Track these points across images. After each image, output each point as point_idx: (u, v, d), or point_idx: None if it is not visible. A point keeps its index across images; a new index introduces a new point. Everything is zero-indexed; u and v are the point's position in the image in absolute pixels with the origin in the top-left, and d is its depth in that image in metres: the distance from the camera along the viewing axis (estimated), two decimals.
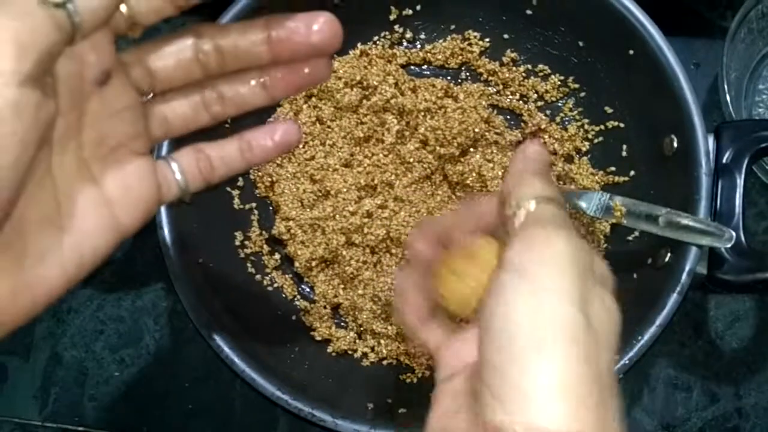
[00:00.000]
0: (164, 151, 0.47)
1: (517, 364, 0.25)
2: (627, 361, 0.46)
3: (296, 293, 0.56)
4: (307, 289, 0.57)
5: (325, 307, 0.55)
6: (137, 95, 0.31)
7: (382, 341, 0.54)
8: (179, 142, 0.34)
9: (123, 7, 0.28)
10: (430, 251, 0.34)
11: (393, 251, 0.55)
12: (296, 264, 0.56)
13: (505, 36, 0.60)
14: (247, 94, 0.32)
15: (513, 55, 0.60)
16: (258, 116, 0.57)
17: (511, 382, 0.25)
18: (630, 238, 0.53)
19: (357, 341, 0.54)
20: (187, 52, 0.31)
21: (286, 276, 0.56)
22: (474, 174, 0.55)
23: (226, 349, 0.47)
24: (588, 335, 0.26)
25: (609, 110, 0.57)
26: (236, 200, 0.57)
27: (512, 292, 0.27)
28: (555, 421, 0.24)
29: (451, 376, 0.31)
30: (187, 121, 0.33)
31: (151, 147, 0.32)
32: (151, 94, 0.32)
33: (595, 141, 0.58)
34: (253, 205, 0.57)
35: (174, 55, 0.31)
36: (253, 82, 0.32)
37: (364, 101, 0.57)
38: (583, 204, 0.51)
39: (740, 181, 0.49)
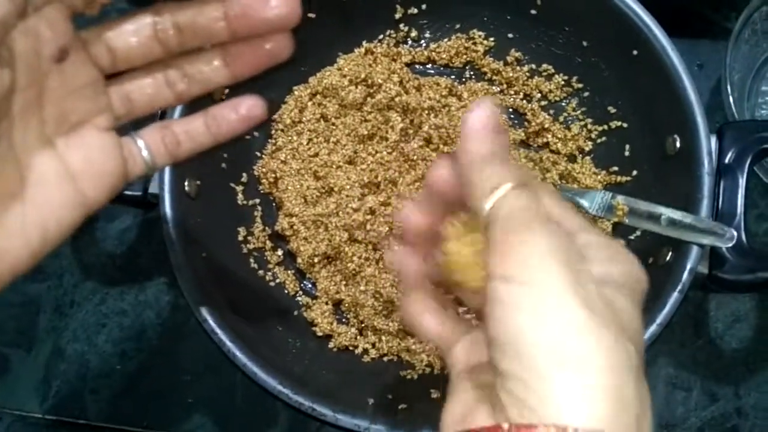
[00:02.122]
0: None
1: (539, 375, 0.24)
2: None
3: (298, 289, 0.56)
4: (309, 285, 0.57)
5: (326, 303, 0.55)
6: (98, 72, 0.31)
7: (383, 338, 0.54)
8: None
9: None
10: (426, 222, 0.33)
11: (396, 248, 0.55)
12: (299, 260, 0.56)
13: (510, 35, 0.60)
14: (210, 73, 0.33)
15: (517, 54, 0.60)
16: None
17: (537, 392, 0.24)
18: (632, 237, 0.53)
19: (358, 337, 0.55)
20: (146, 30, 0.31)
21: (289, 272, 0.57)
22: None
23: (228, 343, 0.47)
24: (600, 325, 0.25)
25: (612, 110, 0.57)
26: (240, 196, 0.57)
27: (510, 303, 0.25)
28: (588, 421, 0.24)
29: (462, 370, 0.31)
30: (150, 99, 0.33)
31: (116, 124, 0.33)
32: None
33: (598, 141, 0.58)
34: (257, 201, 0.58)
35: (133, 33, 0.31)
36: (216, 62, 0.33)
37: (369, 99, 0.58)
38: (585, 203, 0.52)
39: (742, 181, 0.49)
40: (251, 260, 0.56)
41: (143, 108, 0.34)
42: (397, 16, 0.60)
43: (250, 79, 0.34)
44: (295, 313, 0.55)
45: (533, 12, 0.58)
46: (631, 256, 0.29)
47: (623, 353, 0.25)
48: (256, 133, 0.58)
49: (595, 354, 0.24)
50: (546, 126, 0.58)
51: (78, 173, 0.31)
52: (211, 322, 0.47)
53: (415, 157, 0.56)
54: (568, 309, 0.25)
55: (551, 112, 0.59)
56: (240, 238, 0.56)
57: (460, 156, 0.29)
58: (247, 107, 0.35)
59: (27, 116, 0.29)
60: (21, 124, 0.29)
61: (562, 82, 0.59)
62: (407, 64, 0.61)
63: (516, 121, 0.60)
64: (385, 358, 0.54)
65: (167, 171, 0.50)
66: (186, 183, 0.52)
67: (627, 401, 0.24)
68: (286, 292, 0.56)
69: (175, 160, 0.35)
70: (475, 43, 0.60)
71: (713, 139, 0.50)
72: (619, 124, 0.57)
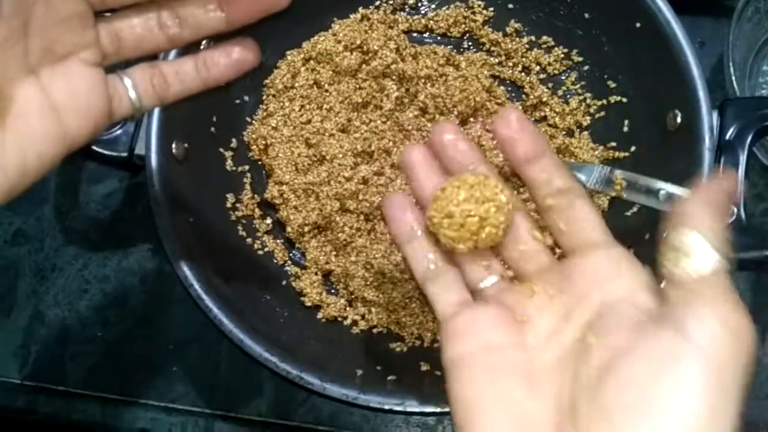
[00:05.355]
0: None
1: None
2: None
3: (287, 258, 0.55)
4: (299, 255, 0.55)
5: (316, 274, 0.54)
6: (86, 5, 0.30)
7: (372, 309, 0.53)
8: None
9: None
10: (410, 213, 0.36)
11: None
12: (288, 229, 0.55)
13: (510, 6, 0.59)
14: (204, 18, 0.33)
15: (517, 25, 0.59)
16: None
17: None
18: (628, 213, 0.52)
19: (347, 308, 0.54)
20: None
21: (278, 241, 0.55)
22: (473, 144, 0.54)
23: (215, 309, 0.46)
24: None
25: (612, 85, 0.56)
26: (229, 162, 0.55)
27: (688, 364, 0.26)
28: None
29: (465, 348, 0.32)
30: (140, 39, 0.33)
31: (103, 61, 0.32)
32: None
33: (597, 116, 0.57)
34: (246, 167, 0.56)
35: None
36: (211, 6, 0.32)
37: (364, 66, 0.56)
38: (582, 177, 0.51)
39: (743, 158, 0.48)
40: (239, 228, 0.54)
41: (132, 48, 0.33)
42: None
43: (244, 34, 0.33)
44: (284, 282, 0.54)
45: None
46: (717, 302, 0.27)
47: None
48: (246, 98, 0.57)
49: None
50: (544, 99, 0.57)
51: (61, 106, 0.30)
52: (197, 287, 0.46)
53: (410, 127, 0.55)
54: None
55: (550, 85, 0.58)
56: (228, 204, 0.54)
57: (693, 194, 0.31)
58: (239, 51, 0.34)
59: (11, 45, 0.28)
60: (4, 52, 0.28)
61: (562, 55, 0.58)
62: (404, 32, 0.59)
63: (513, 94, 0.59)
64: (375, 330, 0.53)
65: (154, 131, 0.49)
66: (174, 145, 0.50)
67: None
68: (274, 261, 0.55)
69: (162, 102, 0.35)
70: (474, 13, 0.59)
71: (714, 115, 0.49)
72: (618, 98, 0.56)
